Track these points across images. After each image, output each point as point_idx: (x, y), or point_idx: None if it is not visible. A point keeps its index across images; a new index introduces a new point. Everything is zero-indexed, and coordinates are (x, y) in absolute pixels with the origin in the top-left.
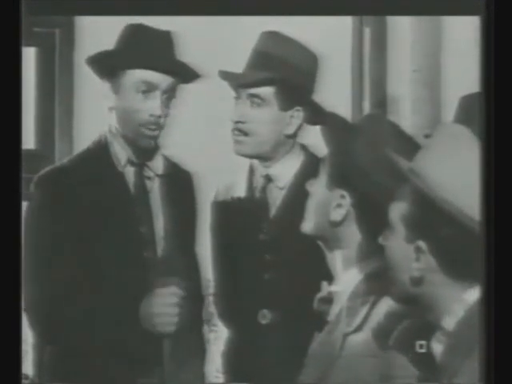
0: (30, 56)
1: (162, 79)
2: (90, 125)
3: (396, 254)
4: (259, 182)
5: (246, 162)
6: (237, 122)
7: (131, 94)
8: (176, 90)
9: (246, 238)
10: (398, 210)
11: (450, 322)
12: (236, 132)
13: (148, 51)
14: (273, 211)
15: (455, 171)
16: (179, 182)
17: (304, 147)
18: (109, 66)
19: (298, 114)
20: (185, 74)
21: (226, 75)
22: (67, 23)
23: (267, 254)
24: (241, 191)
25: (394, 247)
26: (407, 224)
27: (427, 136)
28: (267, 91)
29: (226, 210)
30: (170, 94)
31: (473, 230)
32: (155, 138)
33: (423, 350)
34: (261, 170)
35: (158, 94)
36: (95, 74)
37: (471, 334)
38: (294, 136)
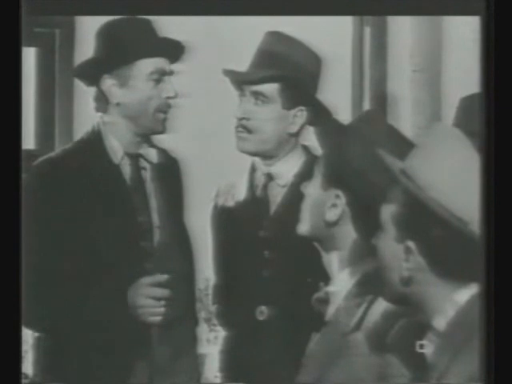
0: (30, 56)
1: (165, 62)
2: (90, 125)
3: (386, 253)
4: (261, 179)
5: (248, 159)
6: (241, 119)
7: (142, 83)
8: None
9: (245, 235)
10: (388, 211)
11: (440, 322)
12: (240, 129)
13: (139, 39)
14: (273, 208)
15: (446, 172)
16: (170, 171)
17: (306, 148)
18: (111, 63)
19: (301, 114)
20: (176, 51)
21: (230, 73)
22: (67, 23)
23: (266, 251)
24: (242, 189)
25: (384, 247)
26: (397, 224)
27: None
28: (271, 88)
29: (227, 207)
30: (171, 75)
31: (462, 230)
32: (166, 120)
33: (423, 350)
34: (263, 168)
35: (168, 76)
36: (83, 82)
37: (462, 334)
38: (296, 135)
